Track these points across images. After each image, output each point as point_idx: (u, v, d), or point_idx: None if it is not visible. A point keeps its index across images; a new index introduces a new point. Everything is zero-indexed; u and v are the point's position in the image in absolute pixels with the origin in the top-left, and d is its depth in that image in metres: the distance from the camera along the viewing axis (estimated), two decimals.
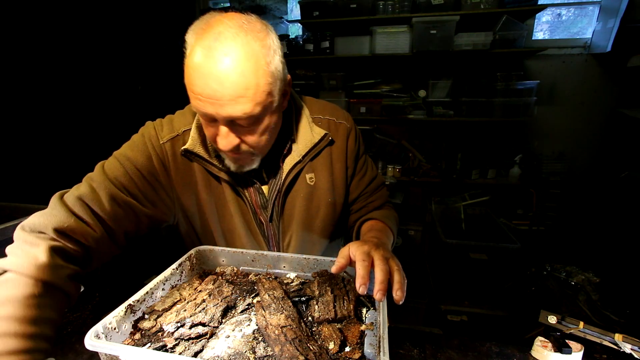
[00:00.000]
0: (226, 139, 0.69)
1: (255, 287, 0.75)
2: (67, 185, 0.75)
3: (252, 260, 0.82)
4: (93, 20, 2.16)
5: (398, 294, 0.58)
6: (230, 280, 0.79)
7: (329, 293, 0.68)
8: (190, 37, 0.65)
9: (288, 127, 0.86)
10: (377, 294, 0.58)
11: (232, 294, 0.73)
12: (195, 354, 0.56)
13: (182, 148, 0.79)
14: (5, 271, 0.56)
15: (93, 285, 1.10)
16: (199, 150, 0.80)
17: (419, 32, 2.31)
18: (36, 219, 0.64)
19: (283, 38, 2.70)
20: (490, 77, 2.40)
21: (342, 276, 0.77)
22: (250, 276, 0.80)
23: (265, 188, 0.87)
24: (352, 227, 1.01)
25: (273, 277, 0.78)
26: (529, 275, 1.78)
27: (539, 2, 2.21)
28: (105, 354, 0.52)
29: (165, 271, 0.74)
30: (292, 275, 0.79)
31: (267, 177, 0.87)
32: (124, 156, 0.77)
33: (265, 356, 0.56)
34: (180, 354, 0.56)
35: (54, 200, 0.69)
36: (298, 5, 2.60)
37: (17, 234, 0.63)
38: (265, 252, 0.81)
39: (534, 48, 2.37)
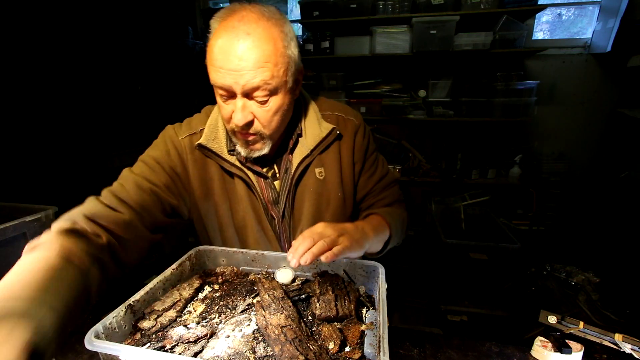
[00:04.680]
0: (242, 113, 0.73)
1: (255, 287, 0.75)
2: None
3: (252, 260, 0.82)
4: (93, 20, 2.16)
5: (292, 256, 0.62)
6: (230, 280, 0.79)
7: (330, 292, 0.68)
8: (214, 22, 0.72)
9: (297, 122, 0.89)
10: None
11: (232, 294, 0.73)
12: (195, 354, 0.56)
13: (197, 142, 0.84)
14: (36, 247, 0.60)
15: None
16: (212, 145, 0.85)
17: (419, 32, 2.31)
18: (72, 210, 0.71)
19: None
20: (490, 77, 2.40)
21: (342, 277, 0.77)
22: (250, 276, 0.80)
23: (277, 183, 0.89)
24: None
25: (273, 277, 0.78)
26: (529, 275, 1.78)
27: (539, 2, 2.21)
28: (105, 354, 0.52)
29: (165, 271, 0.74)
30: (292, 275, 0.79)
31: (278, 172, 0.89)
32: (146, 155, 0.86)
33: (265, 356, 0.56)
34: (180, 354, 0.56)
35: (88, 198, 0.75)
36: (298, 5, 2.60)
37: (54, 223, 0.66)
38: (265, 252, 0.81)
39: (534, 48, 2.37)
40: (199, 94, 2.94)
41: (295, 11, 3.07)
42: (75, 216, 0.68)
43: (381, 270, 0.72)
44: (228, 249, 0.83)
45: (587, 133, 2.54)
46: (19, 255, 0.88)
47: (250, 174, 0.86)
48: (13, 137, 1.78)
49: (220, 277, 0.80)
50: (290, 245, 0.88)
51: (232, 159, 0.85)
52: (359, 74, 2.68)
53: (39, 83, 1.90)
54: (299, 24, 2.72)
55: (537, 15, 2.43)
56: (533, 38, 2.60)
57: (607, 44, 2.29)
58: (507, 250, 2.07)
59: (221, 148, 0.85)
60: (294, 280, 0.77)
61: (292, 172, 0.87)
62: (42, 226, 0.97)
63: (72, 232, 0.63)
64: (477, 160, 2.58)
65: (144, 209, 0.77)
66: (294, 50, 0.74)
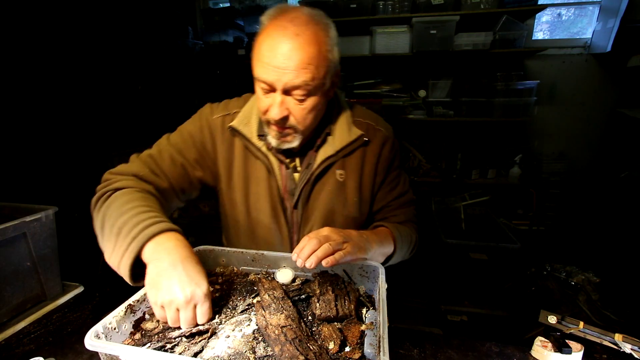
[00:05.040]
0: (279, 108, 0.77)
1: (255, 287, 0.75)
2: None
3: (252, 260, 0.82)
4: (93, 20, 2.16)
5: (297, 256, 0.66)
6: (230, 280, 0.79)
7: (330, 292, 0.68)
8: (265, 18, 0.77)
9: (328, 122, 0.92)
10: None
11: (232, 294, 0.73)
12: (195, 354, 0.56)
13: (229, 124, 0.90)
14: (118, 189, 0.75)
15: (93, 285, 1.10)
16: (243, 129, 0.90)
17: (419, 32, 2.30)
18: (119, 168, 0.83)
19: None
20: (490, 77, 2.40)
21: (342, 277, 0.77)
22: (250, 276, 0.80)
23: (296, 176, 0.92)
24: None
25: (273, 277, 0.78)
26: (529, 275, 1.78)
27: (539, 2, 2.21)
28: (105, 354, 0.52)
29: None
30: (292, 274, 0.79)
31: (300, 166, 0.93)
32: (183, 127, 0.94)
33: (265, 356, 0.56)
34: (180, 354, 0.56)
35: (132, 157, 0.88)
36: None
37: (105, 176, 0.81)
38: (265, 252, 0.81)
39: (534, 48, 2.37)
40: (199, 94, 2.94)
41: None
42: (126, 173, 0.80)
43: (381, 271, 0.72)
44: (228, 249, 0.83)
45: (587, 133, 2.54)
46: (19, 255, 0.89)
47: (273, 160, 0.90)
48: (13, 137, 1.78)
49: (220, 277, 0.80)
50: (298, 237, 0.93)
51: (260, 144, 0.89)
52: (358, 74, 2.68)
53: (39, 83, 1.90)
54: None
55: (537, 15, 2.42)
56: (533, 38, 2.59)
57: (607, 44, 2.29)
58: (507, 250, 2.07)
59: (251, 132, 0.90)
60: (294, 280, 0.77)
61: (314, 168, 0.90)
62: (42, 226, 0.97)
63: (142, 180, 0.81)
64: (477, 160, 2.58)
65: (175, 180, 0.88)
66: (335, 55, 0.79)
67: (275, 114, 0.78)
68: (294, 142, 0.85)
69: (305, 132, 0.85)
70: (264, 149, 0.89)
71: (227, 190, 0.96)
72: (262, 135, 0.89)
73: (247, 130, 0.90)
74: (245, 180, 0.93)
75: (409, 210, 1.02)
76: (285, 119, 0.79)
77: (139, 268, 0.63)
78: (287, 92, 0.76)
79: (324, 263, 0.65)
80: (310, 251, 0.65)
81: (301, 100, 0.78)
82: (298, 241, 0.86)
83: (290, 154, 0.91)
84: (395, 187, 1.00)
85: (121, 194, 0.74)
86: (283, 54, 0.71)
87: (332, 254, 0.66)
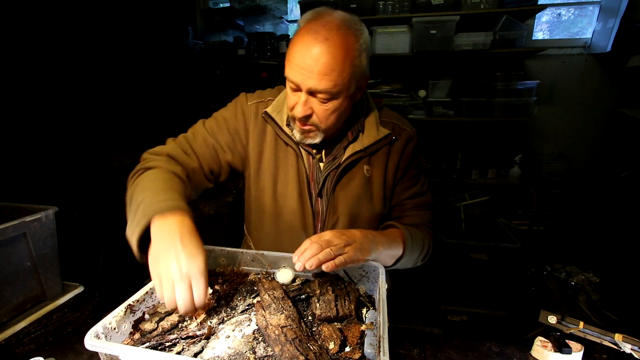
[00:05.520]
0: (303, 107, 0.82)
1: (255, 287, 0.75)
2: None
3: (252, 260, 0.82)
4: (93, 20, 2.16)
5: (297, 259, 0.67)
6: (230, 280, 0.79)
7: (330, 292, 0.68)
8: (301, 21, 0.81)
9: (358, 120, 0.95)
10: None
11: (232, 294, 0.73)
12: (195, 354, 0.56)
13: (264, 110, 0.95)
14: (149, 168, 0.80)
15: (93, 285, 1.10)
16: (275, 115, 0.94)
17: (419, 32, 2.30)
18: (156, 149, 0.90)
19: (283, 38, 2.70)
20: (490, 77, 2.40)
21: (342, 277, 0.77)
22: (250, 276, 0.80)
23: (322, 165, 0.96)
24: None
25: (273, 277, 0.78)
26: (529, 275, 1.78)
27: (539, 2, 2.21)
28: (105, 354, 0.52)
29: None
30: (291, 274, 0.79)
31: (325, 157, 0.96)
32: (218, 113, 1.00)
33: (265, 356, 0.56)
34: (180, 353, 0.56)
35: (168, 139, 0.95)
36: (298, 5, 2.60)
37: (143, 156, 0.88)
38: (266, 252, 0.81)
39: (534, 48, 2.37)
40: (199, 94, 2.94)
41: (295, 11, 3.07)
42: (161, 153, 0.87)
43: (381, 271, 0.72)
44: (228, 249, 0.83)
45: (587, 133, 2.54)
46: (19, 255, 0.89)
47: (302, 148, 0.94)
48: (13, 137, 1.78)
49: (220, 277, 0.80)
50: (322, 226, 0.96)
51: (290, 132, 0.93)
52: None
53: (40, 83, 1.90)
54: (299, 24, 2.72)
55: (537, 15, 2.42)
56: (533, 38, 2.59)
57: (607, 44, 2.29)
58: (507, 250, 2.07)
59: (282, 120, 0.94)
60: (294, 280, 0.77)
61: (342, 160, 0.93)
62: (42, 226, 0.97)
63: (172, 159, 0.87)
64: (477, 160, 2.58)
65: (205, 160, 0.93)
66: (363, 61, 0.81)
67: (298, 111, 0.82)
68: (316, 139, 0.89)
69: (327, 131, 0.88)
70: (294, 136, 0.94)
71: (255, 175, 0.99)
72: (289, 125, 0.94)
73: (279, 118, 0.94)
74: (275, 165, 0.97)
75: (424, 213, 1.02)
76: (308, 117, 0.84)
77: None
78: (311, 93, 0.80)
79: (324, 267, 0.65)
80: (311, 255, 0.66)
81: (324, 102, 0.81)
82: (323, 229, 0.96)
83: (315, 145, 0.94)
84: (412, 186, 1.01)
85: (149, 173, 0.79)
86: (311, 57, 0.75)
87: (333, 258, 0.67)
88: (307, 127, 0.86)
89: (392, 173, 0.98)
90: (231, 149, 0.97)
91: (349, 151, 0.93)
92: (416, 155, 1.01)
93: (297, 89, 0.81)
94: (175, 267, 0.59)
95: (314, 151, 0.95)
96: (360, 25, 0.81)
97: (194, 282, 0.59)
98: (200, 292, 0.59)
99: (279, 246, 0.99)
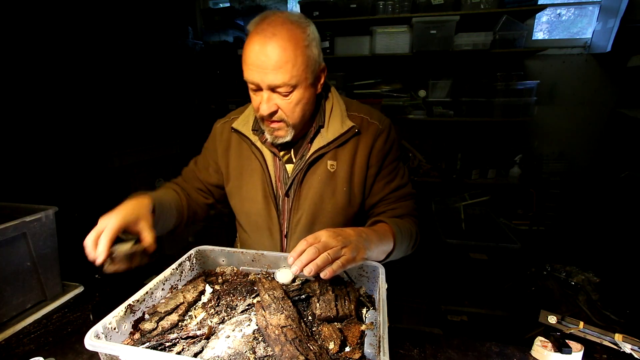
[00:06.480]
0: (267, 104, 0.85)
1: (255, 287, 0.75)
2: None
3: (252, 260, 0.82)
4: (93, 20, 2.16)
5: (294, 263, 0.66)
6: (230, 280, 0.79)
7: (330, 292, 0.68)
8: (250, 25, 0.84)
9: (322, 116, 0.98)
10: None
11: (232, 294, 0.73)
12: (195, 354, 0.56)
13: (230, 127, 1.04)
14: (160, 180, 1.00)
15: (93, 285, 1.10)
16: (242, 128, 1.01)
17: (419, 32, 2.30)
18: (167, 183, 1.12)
19: None
20: (490, 77, 2.40)
21: (342, 277, 0.77)
22: (250, 276, 0.80)
23: (289, 167, 0.99)
24: None
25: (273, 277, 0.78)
26: (529, 275, 1.77)
27: (539, 2, 2.21)
28: (105, 354, 0.52)
29: (165, 271, 0.74)
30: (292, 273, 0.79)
31: (294, 157, 0.99)
32: (205, 144, 1.14)
33: (265, 356, 0.56)
34: (180, 353, 0.56)
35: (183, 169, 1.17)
36: (298, 5, 2.60)
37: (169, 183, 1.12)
38: (265, 252, 0.81)
39: (534, 48, 2.37)
40: (199, 94, 2.94)
41: (295, 11, 3.07)
42: (173, 180, 1.12)
43: (381, 271, 0.72)
44: (228, 249, 0.83)
45: (587, 133, 2.54)
46: (19, 255, 0.90)
47: (266, 153, 0.98)
48: (14, 137, 1.78)
49: (220, 277, 0.80)
50: (288, 224, 0.99)
51: (254, 139, 0.98)
52: (359, 74, 2.68)
53: (40, 83, 1.90)
54: None
55: (537, 15, 2.42)
56: (533, 38, 2.59)
57: (607, 44, 2.29)
58: (507, 250, 2.07)
59: (248, 129, 1.00)
60: (294, 280, 0.77)
61: (307, 158, 0.95)
62: (42, 226, 0.97)
63: (178, 186, 1.09)
64: (477, 160, 2.58)
65: (194, 186, 1.12)
66: (314, 50, 0.85)
67: (264, 109, 0.85)
68: (287, 137, 0.91)
69: (296, 125, 0.91)
70: (258, 143, 0.98)
71: (227, 183, 1.07)
72: (256, 130, 0.99)
73: (246, 129, 1.00)
74: (240, 172, 1.03)
75: (408, 203, 1.02)
76: (274, 113, 0.87)
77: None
78: (272, 89, 0.83)
79: (322, 275, 0.64)
80: (308, 260, 0.65)
81: (286, 95, 0.84)
82: (287, 227, 1.00)
83: (285, 146, 0.98)
84: (392, 180, 1.00)
85: (163, 186, 1.06)
86: (264, 54, 0.79)
87: (331, 262, 0.66)
88: (275, 125, 0.89)
89: (360, 167, 0.97)
90: (215, 171, 1.10)
91: (313, 147, 0.95)
92: (390, 149, 1.01)
93: (258, 88, 0.85)
94: (103, 220, 0.73)
95: (281, 153, 0.98)
96: (305, 19, 0.86)
97: (103, 234, 0.70)
98: (104, 242, 0.70)
99: (253, 247, 1.06)
